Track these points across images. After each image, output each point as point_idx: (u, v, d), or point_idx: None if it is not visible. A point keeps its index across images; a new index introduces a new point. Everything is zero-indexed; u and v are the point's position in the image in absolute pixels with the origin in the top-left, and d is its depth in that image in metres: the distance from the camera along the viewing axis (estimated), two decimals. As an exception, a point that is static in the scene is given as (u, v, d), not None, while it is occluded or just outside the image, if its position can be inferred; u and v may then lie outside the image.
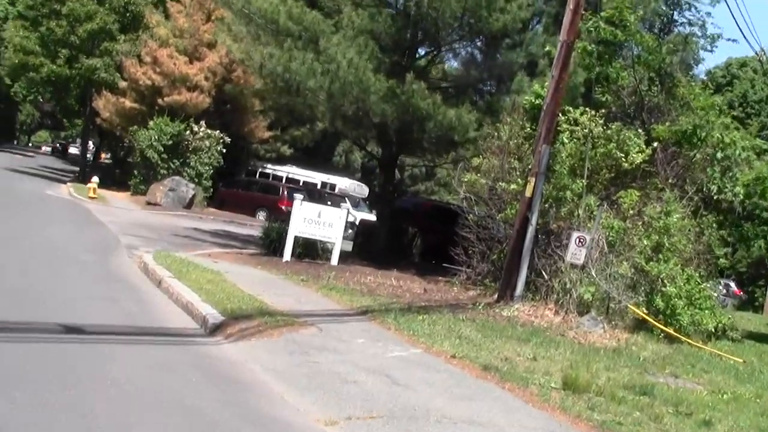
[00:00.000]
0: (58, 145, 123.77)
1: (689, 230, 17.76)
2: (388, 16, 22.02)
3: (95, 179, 38.14)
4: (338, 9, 22.19)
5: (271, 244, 21.59)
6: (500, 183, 18.59)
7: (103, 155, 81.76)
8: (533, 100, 18.45)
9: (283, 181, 46.91)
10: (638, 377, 11.48)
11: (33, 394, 7.14)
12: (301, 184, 46.30)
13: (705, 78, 25.83)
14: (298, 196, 21.28)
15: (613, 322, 15.61)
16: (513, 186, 18.02)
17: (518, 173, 18.37)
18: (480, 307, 15.92)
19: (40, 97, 59.64)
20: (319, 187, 46.43)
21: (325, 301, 14.78)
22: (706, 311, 16.91)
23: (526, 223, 16.52)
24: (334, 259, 20.62)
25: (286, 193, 39.56)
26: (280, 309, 12.67)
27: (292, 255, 20.37)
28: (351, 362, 9.96)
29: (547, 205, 17.27)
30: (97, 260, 16.87)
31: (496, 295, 17.02)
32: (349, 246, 26.83)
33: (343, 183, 48.27)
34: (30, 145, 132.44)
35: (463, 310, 15.45)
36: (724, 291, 23.05)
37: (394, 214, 26.51)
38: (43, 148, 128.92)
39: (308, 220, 20.37)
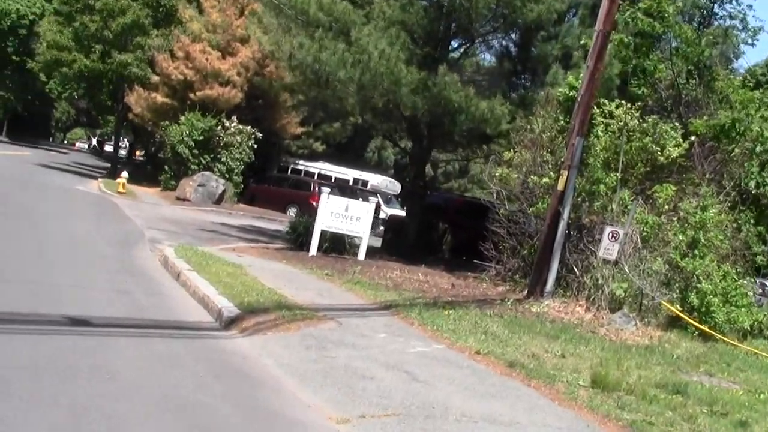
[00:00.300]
0: (96, 142, 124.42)
1: (726, 226, 17.24)
2: (420, 7, 21.52)
3: (124, 174, 37.97)
4: (370, 0, 21.72)
5: (297, 239, 21.24)
6: (532, 176, 18.11)
7: (138, 152, 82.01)
8: (567, 92, 17.94)
9: (315, 177, 46.58)
10: (671, 376, 11.02)
11: (26, 386, 6.80)
12: (333, 180, 45.95)
13: (745, 74, 25.10)
14: (326, 189, 20.91)
15: (645, 320, 15.14)
16: (545, 179, 17.55)
17: (550, 166, 17.89)
18: (509, 302, 15.48)
19: (74, 93, 59.65)
20: (351, 183, 46.12)
21: (348, 295, 14.39)
22: (742, 309, 16.39)
23: (557, 218, 16.03)
24: (361, 254, 20.22)
25: (317, 189, 39.12)
26: (299, 303, 12.29)
27: (319, 250, 20.00)
28: (369, 358, 9.55)
29: (579, 199, 16.83)
30: (118, 253, 16.53)
31: (525, 291, 16.54)
32: (378, 242, 26.47)
33: (375, 179, 47.94)
34: (66, 142, 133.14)
35: (490, 305, 15.01)
36: (761, 290, 22.49)
37: (424, 210, 26.09)
38: (78, 145, 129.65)
39: (335, 214, 19.98)
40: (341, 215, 20.04)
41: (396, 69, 19.73)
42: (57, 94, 66.53)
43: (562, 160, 16.47)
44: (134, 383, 7.46)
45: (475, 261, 20.90)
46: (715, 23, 23.38)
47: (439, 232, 27.01)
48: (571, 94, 17.57)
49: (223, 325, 10.71)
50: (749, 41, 22.26)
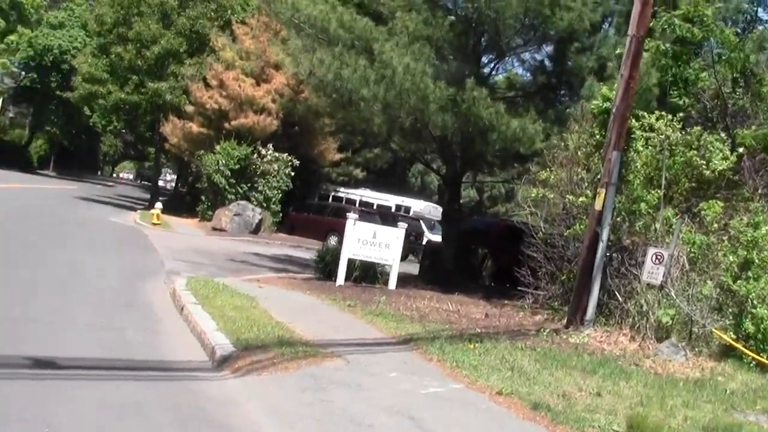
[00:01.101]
0: (144, 174, 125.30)
1: (781, 244, 15.87)
2: (446, 21, 20.41)
3: (158, 205, 37.34)
4: (392, 14, 20.68)
5: (326, 268, 20.27)
6: (569, 196, 16.95)
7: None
8: (601, 104, 16.74)
9: (357, 204, 45.69)
10: (723, 415, 9.70)
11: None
12: (374, 207, 45.12)
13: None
14: (352, 215, 19.83)
15: (696, 349, 13.78)
16: (581, 199, 16.39)
17: (587, 185, 16.72)
18: (545, 333, 14.26)
19: (115, 125, 59.40)
20: (393, 210, 45.20)
21: (368, 328, 13.27)
22: (804, 335, 14.99)
23: (596, 240, 14.86)
24: (392, 283, 19.13)
25: (357, 216, 38.15)
26: (307, 338, 11.19)
27: (349, 279, 19.00)
28: (372, 401, 8.40)
29: (619, 219, 15.65)
30: (127, 286, 15.56)
31: (565, 320, 15.34)
32: (415, 269, 25.43)
33: (418, 205, 47.06)
34: (113, 175, 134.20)
35: (524, 337, 13.82)
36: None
37: (464, 235, 24.98)
38: (122, 175, 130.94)
39: (363, 241, 18.96)
40: (369, 242, 19.02)
41: (422, 84, 18.68)
42: (101, 127, 66.44)
43: (599, 177, 15.33)
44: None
45: (518, 288, 19.69)
46: (760, 27, 22.05)
47: (479, 258, 25.92)
48: (605, 106, 16.37)
49: (215, 365, 9.63)
50: (798, 44, 20.93)
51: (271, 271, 22.08)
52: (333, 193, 49.33)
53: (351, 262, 19.10)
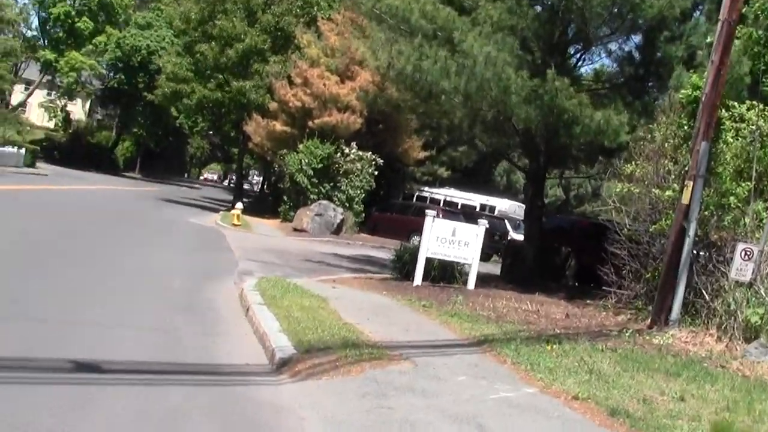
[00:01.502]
0: (233, 178, 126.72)
1: None
2: (529, 10, 19.81)
3: (239, 206, 37.23)
4: (476, 5, 20.10)
5: (403, 268, 19.72)
6: (654, 190, 16.22)
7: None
8: (691, 93, 15.99)
9: (441, 204, 45.14)
10: (818, 422, 8.98)
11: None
12: (459, 206, 44.55)
13: None
14: (430, 212, 19.24)
15: (787, 351, 12.99)
16: (668, 192, 15.66)
17: (674, 177, 15.97)
18: (627, 334, 13.55)
19: (202, 125, 59.85)
20: (477, 209, 44.56)
21: (441, 329, 12.71)
22: None
23: (682, 235, 14.13)
24: (471, 283, 18.53)
25: (441, 216, 37.58)
26: (375, 340, 10.67)
27: (426, 279, 18.42)
28: (437, 407, 7.84)
29: (707, 213, 14.86)
30: (193, 286, 15.15)
31: (648, 320, 14.62)
32: (499, 269, 24.85)
33: (503, 205, 46.42)
34: (199, 177, 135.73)
35: (605, 338, 13.14)
36: None
37: (547, 233, 24.26)
38: (207, 176, 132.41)
39: (441, 239, 18.36)
40: (448, 240, 18.43)
41: (504, 75, 18.06)
42: (188, 128, 66.97)
43: (686, 169, 14.59)
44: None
45: (602, 288, 18.95)
46: None
47: (561, 257, 25.19)
48: (694, 94, 15.62)
49: (274, 368, 9.15)
50: None
51: (348, 272, 21.64)
52: (417, 193, 48.95)
53: (429, 262, 18.55)
